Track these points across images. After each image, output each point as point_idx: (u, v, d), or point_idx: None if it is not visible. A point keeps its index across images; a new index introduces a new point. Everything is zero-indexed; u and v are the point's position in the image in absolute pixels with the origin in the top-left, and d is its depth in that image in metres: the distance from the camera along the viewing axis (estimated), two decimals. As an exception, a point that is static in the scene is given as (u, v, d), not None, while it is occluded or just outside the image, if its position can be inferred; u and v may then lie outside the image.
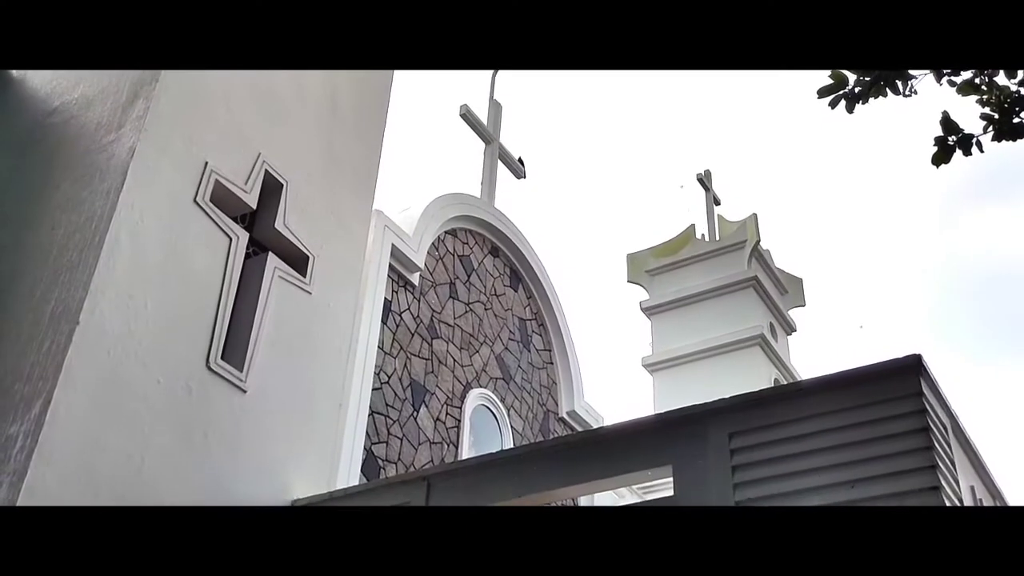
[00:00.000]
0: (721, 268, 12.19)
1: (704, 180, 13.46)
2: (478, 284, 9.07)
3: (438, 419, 7.88)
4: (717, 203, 13.39)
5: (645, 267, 12.67)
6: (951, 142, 4.74)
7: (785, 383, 10.69)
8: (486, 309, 9.05)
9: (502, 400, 8.77)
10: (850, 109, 4.81)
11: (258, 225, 5.94)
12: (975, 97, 4.74)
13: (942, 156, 4.75)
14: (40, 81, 6.16)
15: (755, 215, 12.60)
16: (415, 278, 8.05)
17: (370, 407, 7.04)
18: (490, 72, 10.70)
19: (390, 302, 7.70)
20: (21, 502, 4.21)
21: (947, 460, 3.85)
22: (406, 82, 9.13)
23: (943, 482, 3.71)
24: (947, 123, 4.74)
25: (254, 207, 5.86)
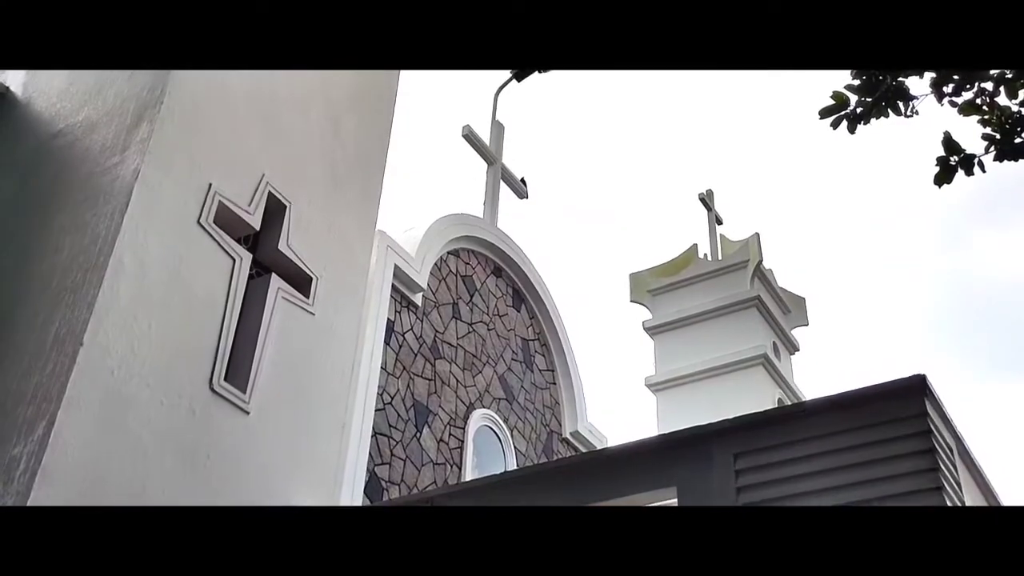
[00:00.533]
0: (724, 288, 12.17)
1: (706, 199, 13.48)
2: (481, 304, 9.07)
3: (441, 440, 7.86)
4: (719, 222, 13.39)
5: (647, 287, 12.65)
6: (953, 162, 4.76)
7: (789, 403, 10.66)
8: (489, 329, 9.05)
9: (505, 421, 8.75)
10: (852, 129, 4.84)
11: (261, 246, 5.95)
12: (976, 117, 4.77)
13: (944, 176, 4.78)
14: (44, 103, 6.19)
15: (757, 234, 12.59)
16: (418, 298, 8.06)
17: (373, 428, 7.03)
18: (492, 92, 10.73)
19: (393, 322, 7.70)
20: (24, 525, 4.19)
21: (952, 481, 3.85)
22: (409, 103, 9.16)
23: (948, 503, 3.70)
24: (949, 143, 4.76)
25: (257, 228, 5.88)
